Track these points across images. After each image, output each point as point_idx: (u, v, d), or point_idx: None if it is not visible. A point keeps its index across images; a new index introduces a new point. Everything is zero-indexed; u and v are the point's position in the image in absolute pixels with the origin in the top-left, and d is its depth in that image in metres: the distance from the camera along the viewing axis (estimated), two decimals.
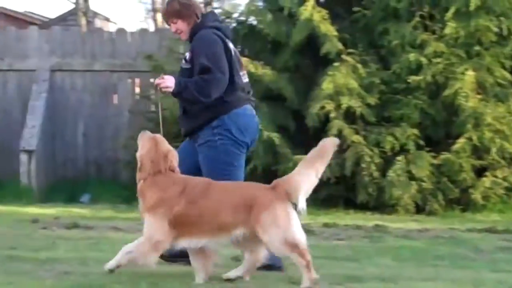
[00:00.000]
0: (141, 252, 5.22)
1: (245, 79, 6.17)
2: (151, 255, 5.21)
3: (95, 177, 12.92)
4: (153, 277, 5.37)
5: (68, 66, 13.05)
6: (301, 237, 5.12)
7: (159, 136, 5.54)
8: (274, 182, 5.31)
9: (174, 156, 5.45)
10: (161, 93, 5.97)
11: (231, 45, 6.14)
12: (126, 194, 11.76)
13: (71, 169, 13.03)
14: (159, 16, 25.02)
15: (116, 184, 12.57)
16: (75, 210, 10.60)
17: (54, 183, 12.65)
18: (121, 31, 13.53)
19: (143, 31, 13.97)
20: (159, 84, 5.88)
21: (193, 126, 6.01)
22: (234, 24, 12.07)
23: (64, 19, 22.80)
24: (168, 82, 5.86)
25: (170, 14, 6.15)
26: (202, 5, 6.42)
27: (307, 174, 5.24)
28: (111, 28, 21.98)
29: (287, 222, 5.12)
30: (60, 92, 12.99)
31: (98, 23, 23.25)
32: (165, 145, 5.48)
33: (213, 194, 5.27)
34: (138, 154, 5.45)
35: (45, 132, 12.44)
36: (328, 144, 5.35)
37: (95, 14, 23.82)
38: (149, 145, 5.44)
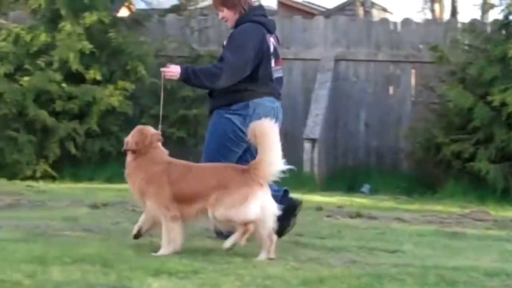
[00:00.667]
0: None
1: (277, 74, 6.54)
2: None
3: (375, 166, 12.89)
4: (439, 269, 5.25)
5: (352, 56, 13.10)
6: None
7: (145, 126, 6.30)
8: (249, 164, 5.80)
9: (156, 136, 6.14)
10: (165, 80, 6.42)
11: (271, 40, 6.53)
12: (406, 185, 11.64)
13: (352, 158, 13.10)
14: (437, 7, 24.64)
15: (396, 174, 12.48)
16: (356, 200, 10.64)
17: (335, 172, 12.77)
18: (406, 21, 13.38)
19: (428, 21, 13.76)
20: (164, 71, 6.34)
21: (215, 105, 6.50)
22: None
23: (342, 9, 23.00)
24: (173, 69, 6.31)
25: (219, 2, 6.52)
26: None
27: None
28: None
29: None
30: (343, 82, 13.09)
31: (375, 13, 23.22)
32: (149, 129, 6.19)
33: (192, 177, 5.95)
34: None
35: (327, 120, 12.58)
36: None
37: (373, 4, 23.82)
38: (135, 131, 6.23)
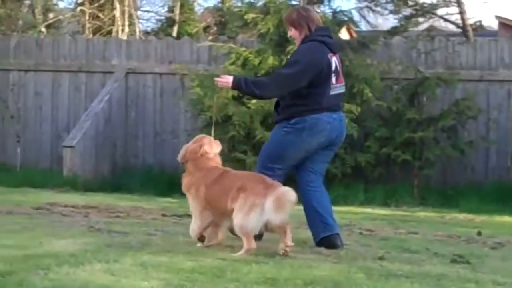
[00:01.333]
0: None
1: (337, 91, 7.04)
2: None
3: None
4: None
5: None
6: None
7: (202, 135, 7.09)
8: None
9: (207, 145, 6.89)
10: (219, 88, 7.44)
11: (333, 59, 7.00)
12: None
13: None
14: None
15: None
16: None
17: None
18: None
19: None
20: (217, 81, 6.98)
21: (278, 118, 7.08)
22: None
23: None
24: (225, 79, 6.93)
25: (288, 22, 7.13)
26: (319, 19, 7.17)
27: None
28: None
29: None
30: None
31: None
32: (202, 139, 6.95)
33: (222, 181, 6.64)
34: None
35: None
36: None
37: None
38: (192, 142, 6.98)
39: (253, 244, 6.47)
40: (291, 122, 6.97)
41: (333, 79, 7.00)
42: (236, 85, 6.93)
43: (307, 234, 8.07)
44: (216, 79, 7.04)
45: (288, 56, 11.76)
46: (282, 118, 7.05)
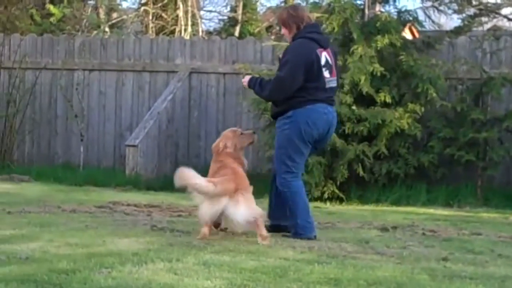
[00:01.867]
0: None
1: (330, 84, 7.43)
2: None
3: None
4: None
5: None
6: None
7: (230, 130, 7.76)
8: None
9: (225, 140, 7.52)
10: (243, 88, 7.98)
11: (324, 53, 7.38)
12: None
13: None
14: None
15: None
16: None
17: None
18: None
19: None
20: (244, 81, 7.65)
21: (275, 111, 7.55)
22: None
23: None
24: (246, 79, 7.63)
25: (279, 21, 7.79)
26: (309, 17, 7.70)
27: None
28: None
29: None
30: None
31: None
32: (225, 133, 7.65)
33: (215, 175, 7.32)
34: None
35: None
36: None
37: None
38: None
39: (205, 232, 7.13)
40: (289, 115, 7.37)
41: (326, 73, 7.39)
42: (249, 85, 7.58)
43: (369, 234, 8.04)
44: (243, 79, 7.73)
45: (353, 56, 11.78)
46: (279, 112, 7.46)
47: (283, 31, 7.65)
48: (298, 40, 7.43)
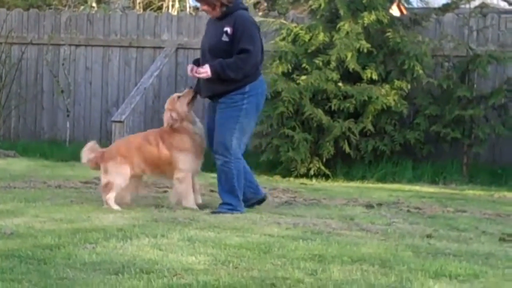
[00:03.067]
0: None
1: None
2: None
3: None
4: None
5: None
6: None
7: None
8: None
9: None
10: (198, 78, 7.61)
11: None
12: None
13: None
14: None
15: None
16: None
17: None
18: None
19: None
20: (198, 74, 7.46)
21: (225, 89, 7.44)
22: None
23: None
24: (203, 70, 7.39)
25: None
26: None
27: None
28: None
29: None
30: None
31: None
32: None
33: None
34: None
35: None
36: None
37: None
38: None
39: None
40: (246, 90, 7.48)
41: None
42: (214, 72, 7.37)
43: (355, 211, 8.07)
44: (197, 71, 7.53)
45: (340, 32, 11.74)
46: (230, 89, 7.44)
47: (206, 7, 7.54)
48: (243, 12, 7.58)
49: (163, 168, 7.73)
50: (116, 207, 7.56)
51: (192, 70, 7.60)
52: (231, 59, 7.39)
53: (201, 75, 7.47)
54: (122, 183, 7.65)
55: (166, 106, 7.73)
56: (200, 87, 7.76)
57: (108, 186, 7.62)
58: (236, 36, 7.40)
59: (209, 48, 7.55)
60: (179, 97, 7.77)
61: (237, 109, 7.44)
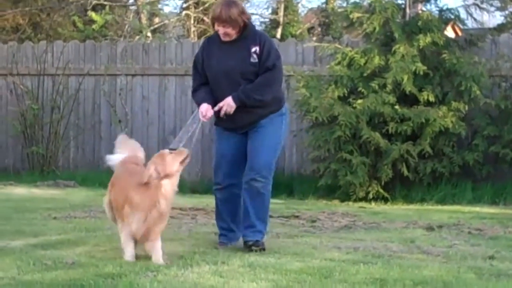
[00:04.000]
0: None
1: None
2: None
3: None
4: None
5: None
6: None
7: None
8: None
9: None
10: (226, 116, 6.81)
11: None
12: None
13: None
14: None
15: None
16: None
17: None
18: None
19: None
20: (223, 111, 6.76)
21: (267, 112, 6.89)
22: None
23: None
24: (225, 105, 6.75)
25: (226, 19, 6.78)
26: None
27: None
28: None
29: None
30: None
31: None
32: None
33: None
34: None
35: None
36: None
37: None
38: None
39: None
40: (283, 111, 7.07)
41: None
42: (238, 101, 6.77)
43: (415, 234, 7.99)
44: (221, 109, 6.79)
45: (395, 55, 11.71)
46: (274, 110, 6.95)
47: (229, 30, 6.83)
48: (259, 30, 7.34)
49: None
50: None
51: (205, 112, 6.87)
52: (258, 82, 6.85)
53: (226, 111, 6.82)
54: None
55: (153, 159, 6.45)
56: (224, 121, 6.97)
57: None
58: (263, 54, 6.86)
59: (240, 73, 6.82)
60: (170, 153, 6.59)
61: (278, 130, 7.02)
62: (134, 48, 14.81)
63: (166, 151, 6.60)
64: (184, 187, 12.33)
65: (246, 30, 6.88)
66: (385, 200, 11.61)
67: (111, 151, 14.47)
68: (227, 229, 7.14)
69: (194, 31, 20.26)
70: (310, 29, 24.13)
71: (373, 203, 11.43)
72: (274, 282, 5.43)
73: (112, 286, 5.28)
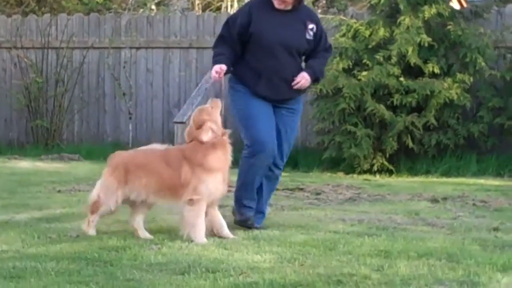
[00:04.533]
0: None
1: None
2: None
3: None
4: None
5: None
6: None
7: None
8: None
9: None
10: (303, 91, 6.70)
11: None
12: None
13: None
14: None
15: None
16: None
17: None
18: None
19: None
20: (299, 85, 6.52)
21: (300, 92, 6.66)
22: None
23: None
24: (302, 80, 6.52)
25: None
26: None
27: None
28: None
29: None
30: None
31: None
32: None
33: None
34: None
35: None
36: None
37: None
38: None
39: None
40: (302, 96, 6.87)
41: None
42: (314, 77, 6.63)
43: (420, 206, 8.00)
44: (296, 86, 6.56)
45: (400, 27, 11.64)
46: (299, 94, 6.74)
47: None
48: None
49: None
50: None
51: (220, 72, 6.63)
52: (321, 60, 6.76)
53: (302, 87, 6.62)
54: None
55: (202, 116, 6.31)
56: (262, 89, 6.63)
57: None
58: (320, 34, 6.68)
59: (296, 47, 6.59)
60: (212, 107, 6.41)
61: (299, 116, 6.89)
62: (138, 21, 14.76)
63: (208, 105, 6.42)
64: None
65: (302, 1, 6.64)
66: (390, 172, 11.59)
67: (115, 124, 14.58)
68: (254, 200, 6.70)
69: (198, 4, 20.13)
70: (315, 1, 23.99)
71: (377, 176, 11.42)
72: (278, 254, 5.43)
73: (116, 259, 5.30)
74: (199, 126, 6.20)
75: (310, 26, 6.62)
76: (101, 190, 6.21)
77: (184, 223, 6.02)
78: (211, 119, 6.22)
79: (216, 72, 6.62)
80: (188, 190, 5.99)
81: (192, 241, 5.85)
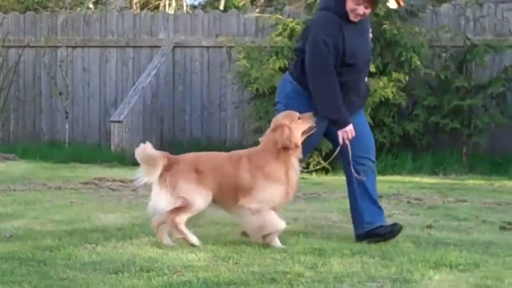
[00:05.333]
0: None
1: None
2: None
3: None
4: None
5: None
6: None
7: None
8: None
9: None
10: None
11: None
12: None
13: None
14: None
15: None
16: None
17: None
18: None
19: None
20: (346, 139, 6.04)
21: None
22: None
23: None
24: (348, 130, 5.99)
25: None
26: None
27: None
28: None
29: None
30: None
31: None
32: None
33: None
34: None
35: None
36: None
37: None
38: None
39: None
40: None
41: None
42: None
43: None
44: (344, 137, 6.08)
45: None
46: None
47: (368, 11, 5.95)
48: None
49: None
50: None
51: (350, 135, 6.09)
52: None
53: (349, 138, 6.13)
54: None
55: (282, 121, 5.90)
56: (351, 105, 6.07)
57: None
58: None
59: (368, 62, 6.19)
60: (299, 118, 5.88)
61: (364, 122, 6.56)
62: (75, 20, 14.64)
63: (296, 113, 5.87)
64: (125, 159, 12.31)
65: None
66: (326, 170, 11.64)
67: (51, 123, 14.43)
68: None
69: (136, 3, 20.03)
70: (253, 1, 24.05)
71: (314, 174, 11.47)
72: (213, 252, 5.44)
73: (50, 258, 5.25)
74: (275, 128, 5.92)
75: (371, 36, 6.27)
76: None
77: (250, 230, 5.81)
78: (290, 126, 5.82)
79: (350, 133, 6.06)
80: (249, 197, 5.73)
81: (127, 240, 5.82)
